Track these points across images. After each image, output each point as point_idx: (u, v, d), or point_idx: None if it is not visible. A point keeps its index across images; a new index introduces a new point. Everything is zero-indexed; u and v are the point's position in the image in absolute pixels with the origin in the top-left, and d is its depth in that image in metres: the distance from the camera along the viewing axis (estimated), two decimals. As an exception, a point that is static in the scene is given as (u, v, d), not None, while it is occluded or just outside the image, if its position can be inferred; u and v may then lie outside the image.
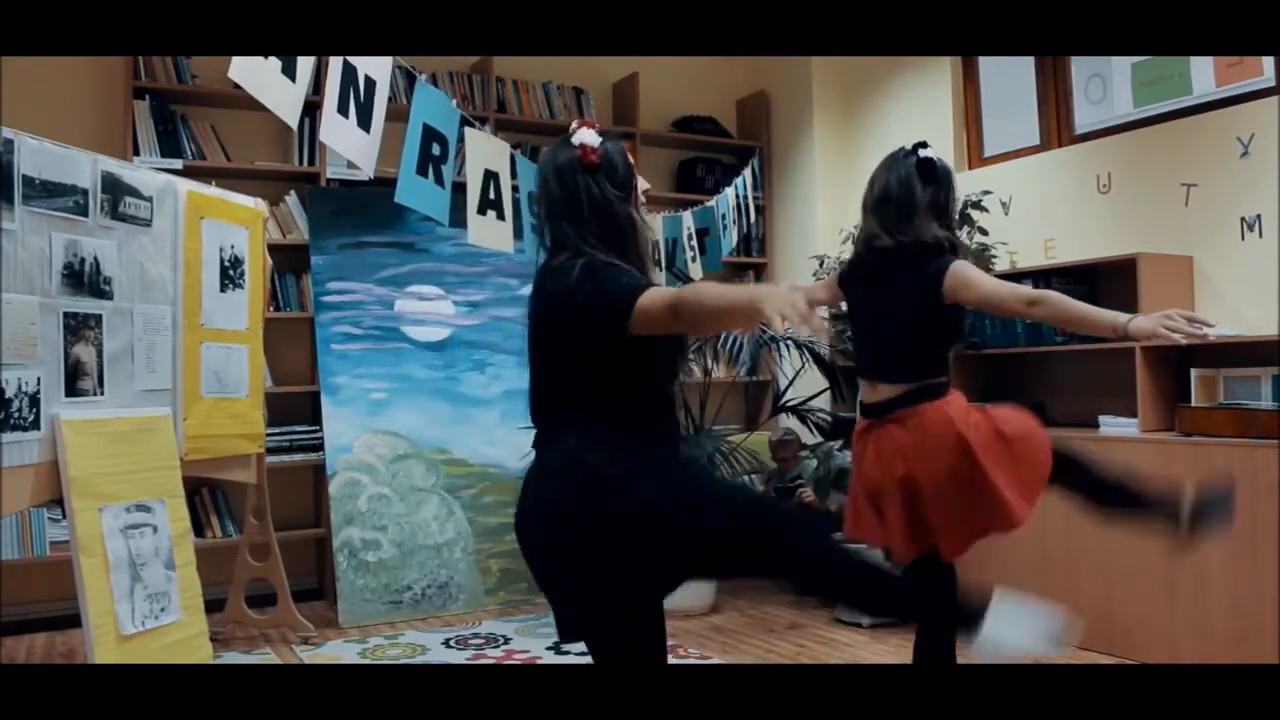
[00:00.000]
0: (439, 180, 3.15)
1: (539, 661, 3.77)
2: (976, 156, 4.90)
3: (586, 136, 1.95)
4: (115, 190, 3.23)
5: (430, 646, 3.95)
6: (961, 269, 2.41)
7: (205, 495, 4.43)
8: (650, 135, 5.55)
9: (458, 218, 3.40)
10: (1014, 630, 1.96)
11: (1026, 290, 2.38)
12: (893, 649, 3.86)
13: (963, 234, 4.31)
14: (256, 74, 2.42)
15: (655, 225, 4.55)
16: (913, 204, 2.46)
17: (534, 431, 1.96)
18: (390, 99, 2.91)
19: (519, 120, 5.20)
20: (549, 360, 1.94)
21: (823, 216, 5.43)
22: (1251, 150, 3.73)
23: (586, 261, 1.85)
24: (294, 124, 2.61)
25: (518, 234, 3.65)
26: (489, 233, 3.43)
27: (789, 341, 4.68)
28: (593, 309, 1.81)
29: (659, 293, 1.75)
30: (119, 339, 3.24)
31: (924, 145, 2.53)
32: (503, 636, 4.09)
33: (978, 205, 4.32)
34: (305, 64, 2.56)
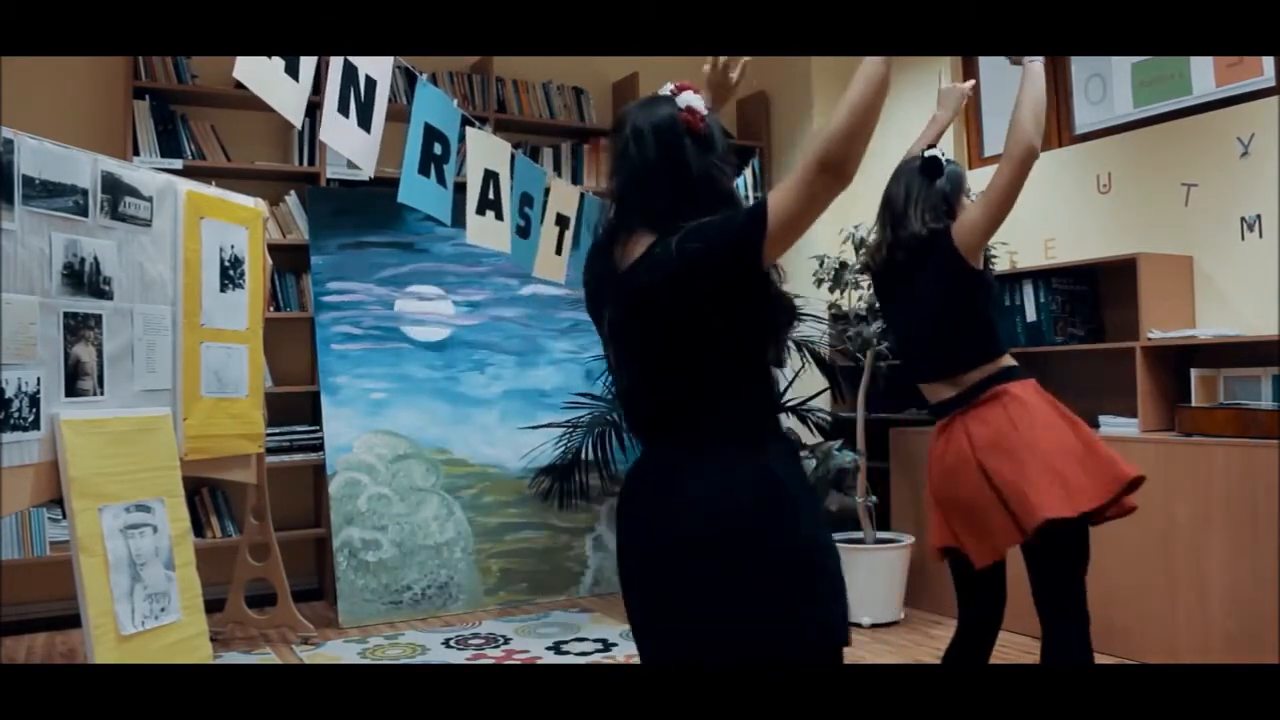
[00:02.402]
0: (441, 180, 3.15)
1: (539, 661, 3.77)
2: (976, 156, 4.90)
3: (694, 100, 1.67)
4: (115, 190, 3.23)
5: (430, 646, 3.95)
6: (958, 221, 2.42)
7: (205, 495, 4.43)
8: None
9: (459, 217, 3.40)
10: None
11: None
12: (893, 649, 3.87)
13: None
14: (260, 74, 2.42)
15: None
16: (910, 200, 2.49)
17: (661, 440, 1.68)
18: (390, 99, 2.91)
19: (519, 120, 5.20)
20: (648, 358, 1.65)
21: (822, 216, 5.42)
22: (1251, 150, 3.73)
23: (688, 229, 1.57)
24: (298, 123, 2.61)
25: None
26: (487, 232, 3.43)
27: (789, 341, 4.68)
28: (719, 249, 1.55)
29: (789, 179, 1.57)
30: (119, 339, 3.24)
31: (931, 147, 2.57)
32: (503, 636, 4.09)
33: (978, 205, 4.31)
34: (308, 64, 2.56)
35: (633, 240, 1.65)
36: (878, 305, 2.73)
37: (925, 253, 2.45)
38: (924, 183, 2.49)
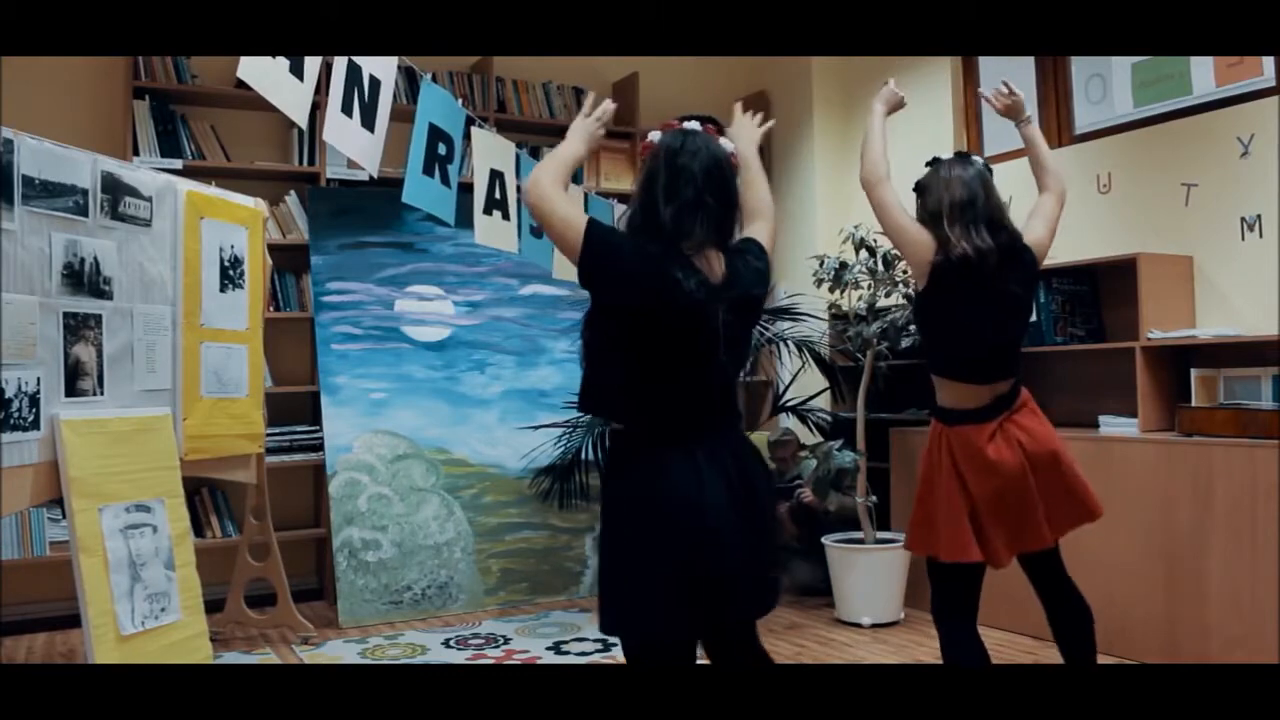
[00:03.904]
0: (445, 180, 3.14)
1: (539, 661, 3.78)
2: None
3: (731, 147, 2.06)
4: (115, 190, 3.23)
5: (430, 646, 3.95)
6: (1030, 237, 2.62)
7: (205, 495, 4.42)
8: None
9: (463, 218, 3.39)
10: None
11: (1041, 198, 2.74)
12: (893, 649, 3.87)
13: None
14: (265, 73, 2.42)
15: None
16: (997, 204, 2.58)
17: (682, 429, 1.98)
18: (391, 99, 2.91)
19: (519, 120, 5.20)
20: (734, 356, 2.02)
21: (823, 216, 5.43)
22: (1251, 150, 3.73)
23: (757, 250, 2.07)
24: (303, 122, 2.61)
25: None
26: (495, 233, 3.42)
27: (789, 341, 4.68)
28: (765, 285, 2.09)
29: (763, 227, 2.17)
30: (119, 339, 3.24)
31: (967, 153, 2.68)
32: (503, 636, 4.09)
33: (978, 205, 4.32)
34: (312, 63, 2.56)
35: (710, 254, 1.96)
36: (915, 299, 2.67)
37: (1013, 259, 2.53)
38: (994, 189, 2.60)
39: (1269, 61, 3.75)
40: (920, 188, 2.64)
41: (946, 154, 2.71)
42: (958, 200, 2.53)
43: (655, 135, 2.06)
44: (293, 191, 4.75)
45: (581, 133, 2.18)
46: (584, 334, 2.02)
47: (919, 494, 2.65)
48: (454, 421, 4.67)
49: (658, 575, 1.86)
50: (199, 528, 4.31)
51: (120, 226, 3.25)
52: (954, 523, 2.50)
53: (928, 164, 2.68)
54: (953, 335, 2.57)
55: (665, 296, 1.89)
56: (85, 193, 3.11)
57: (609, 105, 2.28)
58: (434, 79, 4.92)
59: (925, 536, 2.60)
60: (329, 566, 4.50)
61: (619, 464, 2.03)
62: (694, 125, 2.02)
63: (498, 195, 3.42)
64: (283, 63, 2.47)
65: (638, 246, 1.95)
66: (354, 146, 2.78)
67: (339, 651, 3.91)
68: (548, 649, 3.90)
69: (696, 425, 1.96)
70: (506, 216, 3.46)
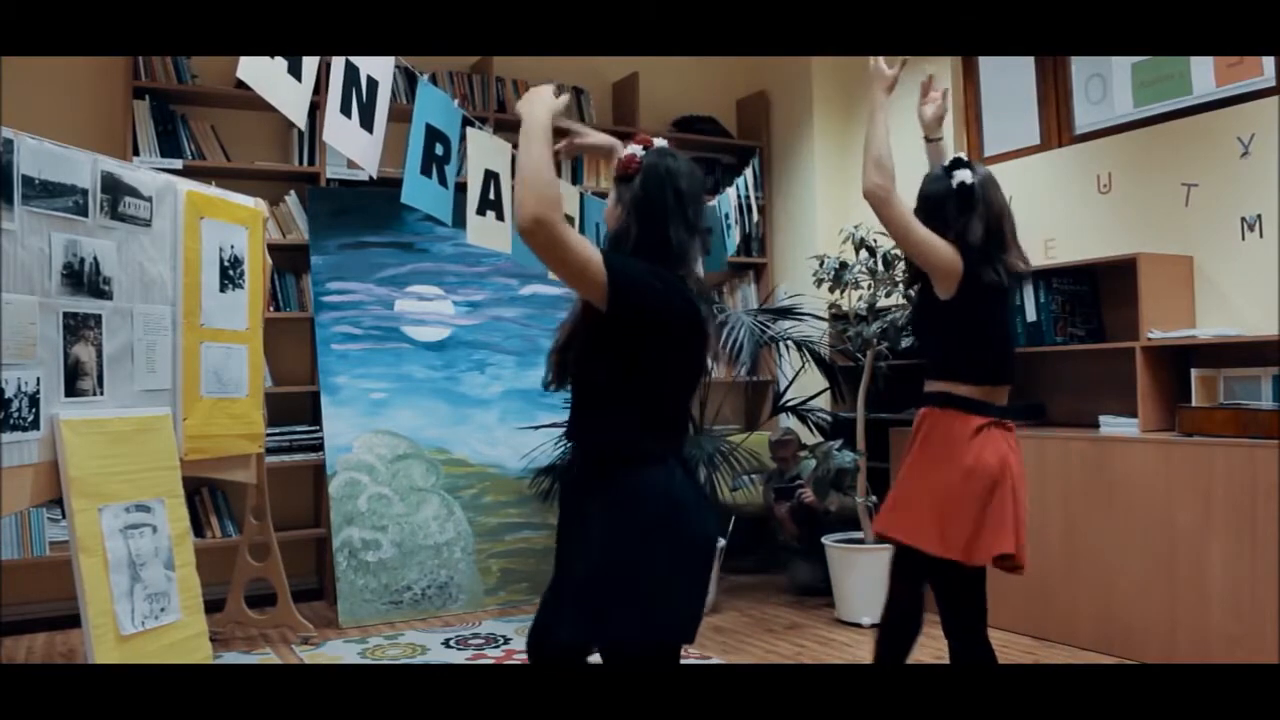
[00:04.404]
0: (442, 180, 3.15)
1: (539, 661, 3.77)
2: (977, 156, 4.90)
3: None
4: (115, 190, 3.23)
5: (430, 646, 3.95)
6: None
7: (205, 495, 4.42)
8: (650, 135, 5.54)
9: (461, 218, 3.40)
10: None
11: None
12: (893, 649, 3.86)
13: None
14: (264, 73, 2.42)
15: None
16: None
17: (678, 442, 2.04)
18: (390, 99, 2.91)
19: (519, 120, 5.19)
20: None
21: (823, 216, 5.43)
22: (1251, 150, 3.73)
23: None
24: (302, 123, 2.62)
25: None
26: (488, 233, 3.42)
27: (789, 341, 4.68)
28: None
29: None
30: (119, 339, 3.24)
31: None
32: (503, 636, 4.09)
33: (978, 205, 4.32)
34: (310, 63, 2.56)
35: (693, 274, 2.00)
36: (929, 306, 2.59)
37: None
38: None
39: (1269, 61, 3.75)
40: (974, 195, 2.46)
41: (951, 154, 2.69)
42: (1007, 212, 2.52)
43: (637, 150, 2.00)
44: (293, 191, 4.75)
45: (548, 132, 2.02)
46: (583, 355, 2.00)
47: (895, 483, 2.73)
48: (454, 421, 4.67)
49: (677, 579, 1.89)
50: (199, 528, 4.31)
51: (120, 226, 3.25)
52: (895, 500, 2.62)
53: (953, 165, 2.52)
54: (985, 343, 2.52)
55: (689, 322, 1.94)
56: (85, 193, 3.11)
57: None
58: (434, 79, 4.92)
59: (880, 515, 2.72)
60: (329, 566, 4.50)
61: (621, 476, 1.93)
62: (663, 142, 2.04)
63: (492, 196, 3.42)
64: (281, 63, 2.47)
65: (656, 274, 1.90)
66: (353, 146, 2.78)
67: (339, 651, 3.91)
68: (548, 649, 3.90)
69: (680, 436, 2.03)
70: (500, 217, 3.46)
